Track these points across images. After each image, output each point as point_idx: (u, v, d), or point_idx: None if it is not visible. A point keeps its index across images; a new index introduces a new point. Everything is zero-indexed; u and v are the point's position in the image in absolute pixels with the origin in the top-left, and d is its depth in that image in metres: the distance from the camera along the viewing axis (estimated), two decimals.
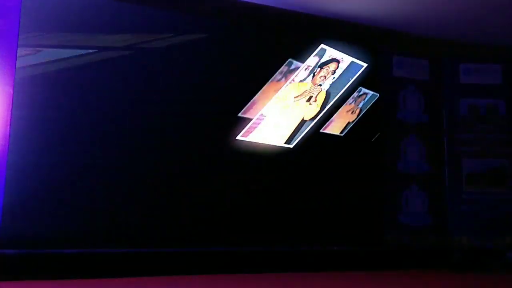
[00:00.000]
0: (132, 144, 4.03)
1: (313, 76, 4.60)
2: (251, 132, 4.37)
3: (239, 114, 4.35)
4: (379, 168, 4.97)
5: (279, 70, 4.47)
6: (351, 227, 4.71)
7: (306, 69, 4.53)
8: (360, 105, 4.84)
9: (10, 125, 3.60)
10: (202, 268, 4.02)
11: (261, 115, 4.40)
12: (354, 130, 4.90)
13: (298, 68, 4.54)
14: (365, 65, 4.88)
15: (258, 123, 4.39)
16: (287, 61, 4.50)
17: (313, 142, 4.68)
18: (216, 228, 4.18)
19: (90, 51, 3.96)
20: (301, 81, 4.57)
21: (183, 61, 4.27)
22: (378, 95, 4.88)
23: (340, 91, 4.77)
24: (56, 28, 3.86)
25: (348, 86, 4.81)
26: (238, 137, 4.35)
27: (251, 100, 4.38)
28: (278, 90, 4.47)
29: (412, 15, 4.73)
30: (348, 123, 4.79)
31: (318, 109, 4.67)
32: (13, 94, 3.64)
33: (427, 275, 4.40)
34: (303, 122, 4.62)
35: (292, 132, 4.58)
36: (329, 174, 4.75)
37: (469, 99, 5.20)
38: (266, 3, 4.46)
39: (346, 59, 4.73)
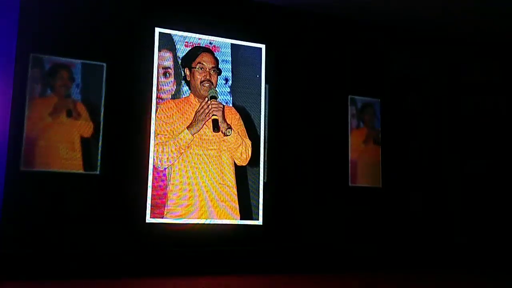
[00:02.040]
0: None
1: (188, 84, 3.37)
2: None
3: None
4: None
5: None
6: None
7: (165, 75, 3.30)
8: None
9: (9, 126, 3.67)
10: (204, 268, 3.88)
11: None
12: None
13: None
14: (262, 46, 3.45)
15: None
16: None
17: None
18: None
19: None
20: (173, 96, 3.33)
21: None
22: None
23: (259, 102, 3.53)
24: (55, 28, 3.91)
25: None
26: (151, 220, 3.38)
27: None
28: None
29: (412, 14, 4.51)
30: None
31: (247, 141, 3.46)
32: (12, 95, 3.74)
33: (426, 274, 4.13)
34: (242, 171, 3.43)
35: (239, 200, 3.38)
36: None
37: (470, 97, 4.86)
38: None
39: (220, 44, 3.33)
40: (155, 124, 3.12)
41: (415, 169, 4.55)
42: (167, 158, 3.17)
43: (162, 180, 3.15)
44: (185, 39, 3.14)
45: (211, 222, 3.25)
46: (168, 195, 3.17)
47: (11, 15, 3.77)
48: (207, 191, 3.20)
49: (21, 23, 3.46)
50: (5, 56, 3.72)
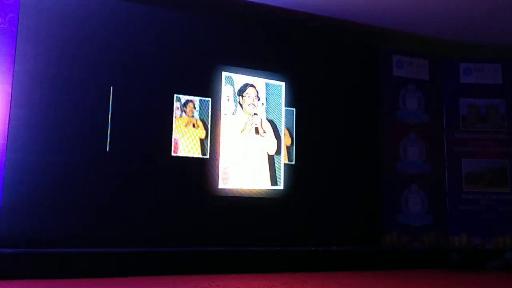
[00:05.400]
0: (131, 143, 4.02)
1: (241, 106, 4.54)
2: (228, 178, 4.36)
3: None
4: (378, 168, 4.97)
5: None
6: (351, 227, 4.71)
7: (228, 100, 4.44)
8: (196, 115, 4.30)
9: (9, 123, 3.61)
10: (203, 267, 4.02)
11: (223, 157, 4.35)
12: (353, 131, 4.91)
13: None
14: (282, 83, 4.73)
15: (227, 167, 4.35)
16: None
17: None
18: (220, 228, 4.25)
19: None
20: (233, 114, 4.47)
21: None
22: (210, 99, 4.36)
23: (280, 117, 4.68)
24: (55, 27, 3.85)
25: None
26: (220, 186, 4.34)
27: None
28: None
29: (412, 15, 4.72)
30: (201, 140, 4.29)
31: (275, 140, 4.62)
32: (11, 93, 3.65)
33: (427, 275, 4.38)
34: (272, 160, 4.61)
35: (270, 174, 4.58)
36: (328, 174, 4.75)
37: (469, 99, 5.20)
38: None
39: (259, 82, 4.63)
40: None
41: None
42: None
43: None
44: (239, 79, 4.56)
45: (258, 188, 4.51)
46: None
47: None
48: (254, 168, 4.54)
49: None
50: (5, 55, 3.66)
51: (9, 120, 3.64)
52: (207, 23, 4.50)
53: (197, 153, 4.27)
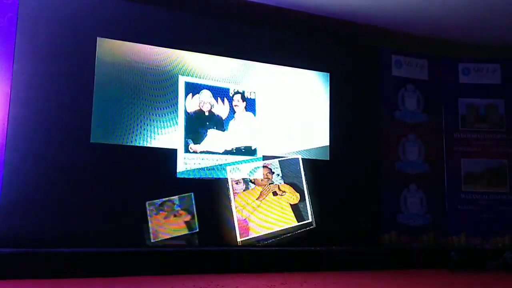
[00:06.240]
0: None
1: (254, 183, 4.42)
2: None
3: None
4: (378, 168, 4.96)
5: None
6: (350, 227, 4.70)
7: (237, 184, 4.33)
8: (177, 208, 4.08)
9: (8, 123, 3.61)
10: (202, 267, 4.02)
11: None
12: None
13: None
14: (299, 156, 4.64)
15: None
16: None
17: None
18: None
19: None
20: (244, 189, 4.36)
21: None
22: (192, 193, 4.12)
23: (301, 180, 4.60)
24: (54, 27, 3.86)
25: None
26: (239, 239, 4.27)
27: None
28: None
29: (411, 15, 4.73)
30: (186, 221, 4.06)
31: (295, 194, 4.55)
32: (10, 92, 3.65)
33: (426, 275, 4.39)
34: (296, 206, 4.55)
35: (296, 219, 4.54)
36: (327, 174, 4.75)
37: (468, 99, 5.20)
38: None
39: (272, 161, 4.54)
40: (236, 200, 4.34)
41: None
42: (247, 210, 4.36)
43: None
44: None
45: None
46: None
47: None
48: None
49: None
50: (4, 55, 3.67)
51: (8, 120, 3.63)
52: None
53: (183, 232, 4.03)
